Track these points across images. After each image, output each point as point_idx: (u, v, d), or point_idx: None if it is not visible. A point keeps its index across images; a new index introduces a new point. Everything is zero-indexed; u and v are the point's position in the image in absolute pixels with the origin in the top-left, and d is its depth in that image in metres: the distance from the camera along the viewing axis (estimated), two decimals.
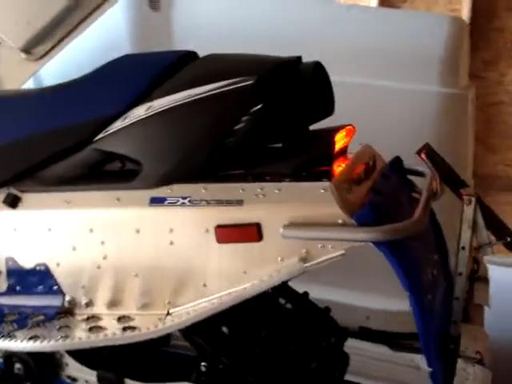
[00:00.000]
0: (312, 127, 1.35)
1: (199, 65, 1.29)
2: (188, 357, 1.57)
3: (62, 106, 1.34)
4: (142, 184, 1.24)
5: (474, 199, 1.21)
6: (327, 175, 1.17)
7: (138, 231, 1.25)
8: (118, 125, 1.27)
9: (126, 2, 2.09)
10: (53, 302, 1.37)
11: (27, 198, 1.36)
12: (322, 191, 1.11)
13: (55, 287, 1.37)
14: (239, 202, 1.16)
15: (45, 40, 2.02)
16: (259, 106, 1.19)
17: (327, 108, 1.31)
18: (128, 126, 1.25)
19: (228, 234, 1.16)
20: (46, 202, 1.34)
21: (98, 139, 1.29)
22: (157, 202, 1.23)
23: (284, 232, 1.11)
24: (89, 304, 1.34)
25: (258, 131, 1.21)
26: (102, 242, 1.29)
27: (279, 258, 1.15)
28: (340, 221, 1.09)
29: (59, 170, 1.34)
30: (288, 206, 1.13)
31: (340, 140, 1.29)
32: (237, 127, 1.19)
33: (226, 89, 1.18)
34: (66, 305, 1.36)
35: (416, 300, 1.08)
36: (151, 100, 1.25)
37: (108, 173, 1.32)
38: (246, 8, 2.19)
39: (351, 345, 1.73)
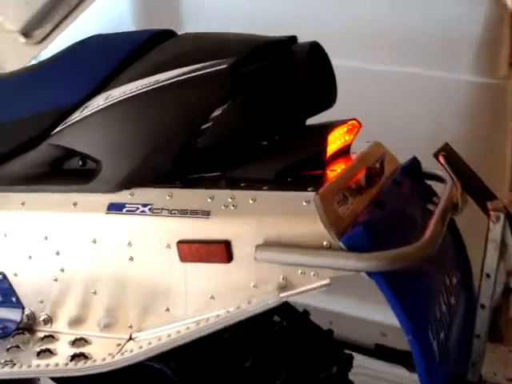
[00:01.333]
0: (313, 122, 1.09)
1: (170, 46, 1.04)
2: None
3: (19, 94, 1.12)
4: (101, 187, 1.01)
5: (502, 215, 0.92)
6: (317, 182, 0.90)
7: (94, 242, 1.02)
8: (75, 116, 1.04)
9: None
10: (12, 315, 1.16)
11: None
12: (305, 204, 0.85)
13: (14, 299, 1.15)
14: (205, 214, 0.91)
15: (44, 22, 1.83)
16: (237, 96, 0.93)
17: (326, 98, 1.04)
18: (85, 117, 1.02)
19: (192, 251, 0.92)
20: (1, 203, 1.12)
21: (56, 133, 1.06)
22: (115, 209, 0.99)
23: (257, 253, 0.86)
24: (47, 321, 1.12)
25: (236, 127, 0.95)
26: (57, 252, 1.06)
27: (252, 284, 0.90)
28: (325, 242, 0.83)
29: (16, 167, 1.12)
30: (262, 221, 0.87)
31: (338, 138, 1.02)
32: (209, 122, 0.94)
33: (194, 74, 0.93)
34: (25, 319, 1.14)
35: (420, 348, 0.82)
36: (112, 88, 1.01)
37: (67, 172, 1.09)
38: None
39: (364, 364, 1.48)
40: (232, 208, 0.89)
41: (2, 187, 1.12)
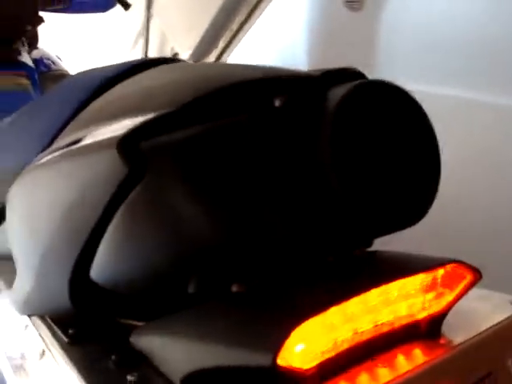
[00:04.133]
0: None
1: (113, 92, 0.57)
2: None
3: None
4: (13, 301, 0.62)
5: None
6: None
7: None
8: None
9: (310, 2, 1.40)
10: None
11: None
12: None
13: None
14: None
15: (210, 49, 1.53)
16: (140, 191, 0.44)
17: (388, 211, 0.44)
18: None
19: None
20: None
21: None
22: None
23: None
24: None
25: (129, 250, 0.46)
26: None
27: None
28: None
29: None
30: None
31: (393, 303, 0.43)
32: (101, 234, 0.47)
33: (78, 147, 0.46)
34: None
35: None
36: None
37: None
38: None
39: None
40: None
41: None
